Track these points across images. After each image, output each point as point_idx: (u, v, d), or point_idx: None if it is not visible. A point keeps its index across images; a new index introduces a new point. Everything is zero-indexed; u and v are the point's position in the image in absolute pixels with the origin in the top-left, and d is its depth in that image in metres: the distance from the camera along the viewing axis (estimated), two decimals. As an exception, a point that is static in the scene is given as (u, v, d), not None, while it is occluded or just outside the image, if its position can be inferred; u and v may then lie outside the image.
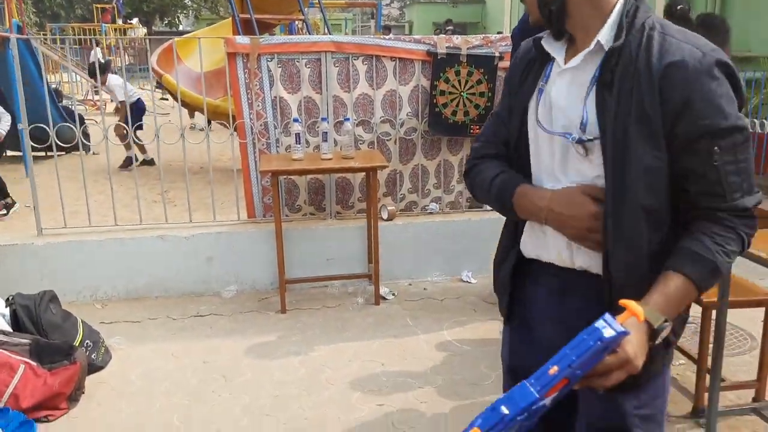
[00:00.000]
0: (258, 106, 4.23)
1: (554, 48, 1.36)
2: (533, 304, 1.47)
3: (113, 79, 8.03)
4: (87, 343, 3.30)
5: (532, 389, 1.03)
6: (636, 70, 1.22)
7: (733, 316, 3.16)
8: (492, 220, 4.43)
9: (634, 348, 1.12)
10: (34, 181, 4.18)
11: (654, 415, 1.39)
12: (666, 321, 1.17)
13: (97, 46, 6.66)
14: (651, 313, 1.16)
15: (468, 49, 4.27)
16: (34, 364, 2.94)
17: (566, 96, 1.32)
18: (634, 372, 1.12)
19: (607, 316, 1.07)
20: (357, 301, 4.08)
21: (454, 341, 3.57)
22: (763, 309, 2.80)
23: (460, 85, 4.30)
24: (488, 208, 4.57)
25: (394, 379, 3.15)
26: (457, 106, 4.33)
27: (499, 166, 1.47)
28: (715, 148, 1.20)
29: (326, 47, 4.18)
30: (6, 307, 3.27)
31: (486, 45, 4.30)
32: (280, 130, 4.26)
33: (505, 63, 4.26)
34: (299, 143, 3.92)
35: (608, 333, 1.04)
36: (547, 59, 1.39)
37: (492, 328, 3.69)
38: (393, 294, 4.19)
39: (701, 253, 1.21)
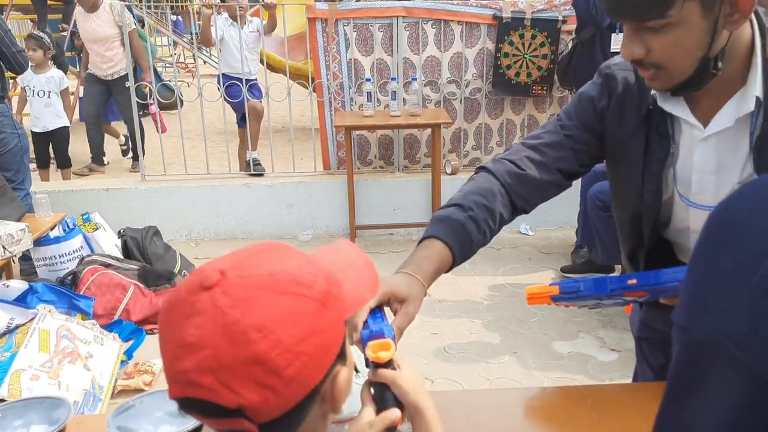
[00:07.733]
0: (334, 67, 4.60)
1: (675, 107, 1.16)
2: None
3: None
4: (184, 273, 3.83)
5: (607, 285, 1.17)
6: None
7: None
8: (551, 177, 4.68)
9: None
10: (142, 135, 4.73)
11: None
12: None
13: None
14: None
15: (532, 13, 4.47)
16: (141, 285, 3.48)
17: (716, 162, 1.15)
18: None
19: None
20: (420, 248, 4.45)
21: (507, 284, 3.88)
22: None
23: (523, 47, 4.52)
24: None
25: (449, 312, 3.52)
26: (520, 67, 4.56)
27: (485, 196, 1.27)
28: None
29: (398, 12, 4.48)
30: (118, 238, 3.84)
31: (550, 8, 4.49)
32: (354, 89, 4.63)
33: (569, 26, 4.45)
34: (371, 101, 4.29)
35: None
36: (660, 114, 1.19)
37: (545, 275, 3.98)
38: (454, 243, 4.52)
39: None
